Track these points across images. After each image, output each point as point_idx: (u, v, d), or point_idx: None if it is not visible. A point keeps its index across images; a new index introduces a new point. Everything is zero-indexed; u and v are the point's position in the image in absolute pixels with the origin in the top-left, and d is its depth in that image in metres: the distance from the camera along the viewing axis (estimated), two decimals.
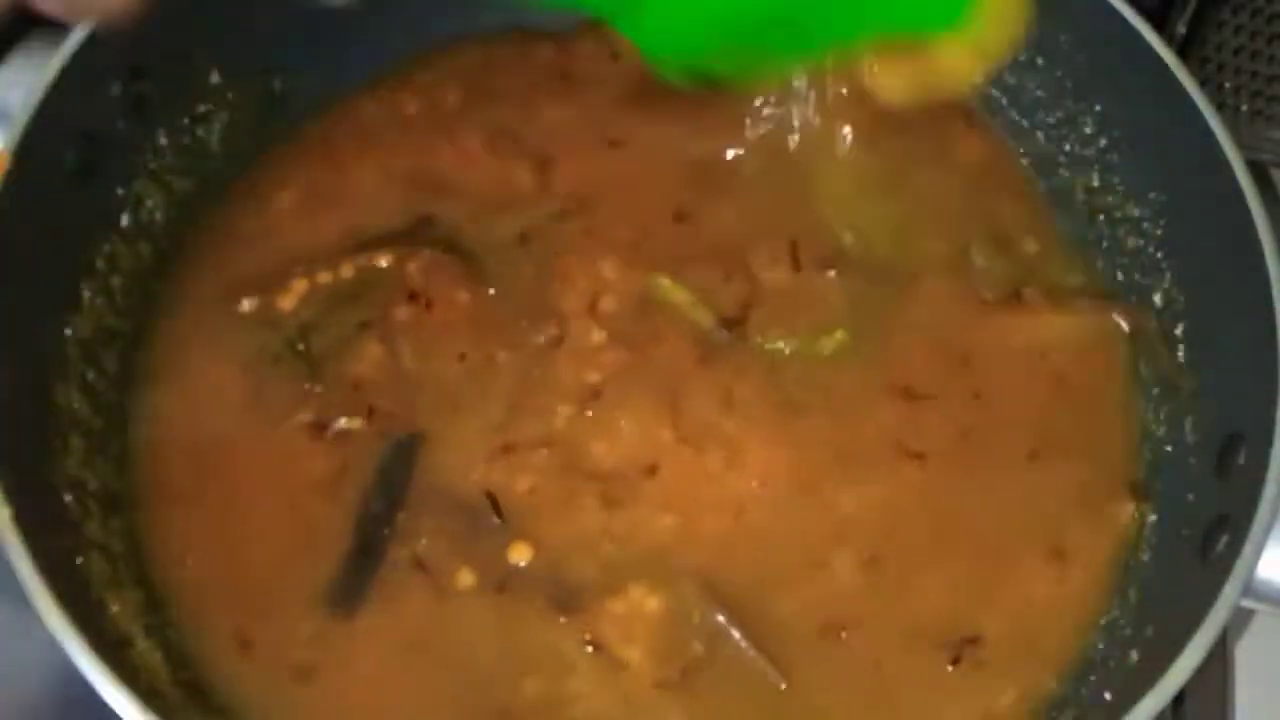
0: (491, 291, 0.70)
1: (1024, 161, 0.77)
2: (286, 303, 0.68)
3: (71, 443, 0.62)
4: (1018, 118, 0.77)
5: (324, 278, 0.69)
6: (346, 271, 0.69)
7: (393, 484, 0.64)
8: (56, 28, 0.68)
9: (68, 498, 0.61)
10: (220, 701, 0.61)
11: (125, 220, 0.68)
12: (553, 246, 0.71)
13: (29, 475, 0.57)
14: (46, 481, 0.60)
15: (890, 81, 0.66)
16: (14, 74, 0.66)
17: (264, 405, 0.66)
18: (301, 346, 0.67)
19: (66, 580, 0.54)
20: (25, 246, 0.60)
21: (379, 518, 0.63)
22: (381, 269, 0.69)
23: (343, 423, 0.66)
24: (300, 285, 0.69)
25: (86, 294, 0.65)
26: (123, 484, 0.65)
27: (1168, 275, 0.70)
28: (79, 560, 0.59)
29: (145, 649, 0.59)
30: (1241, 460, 0.61)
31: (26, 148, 0.59)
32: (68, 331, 0.64)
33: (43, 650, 0.62)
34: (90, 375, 0.65)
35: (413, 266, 0.69)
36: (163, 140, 0.69)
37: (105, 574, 0.60)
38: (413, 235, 0.71)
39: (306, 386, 0.66)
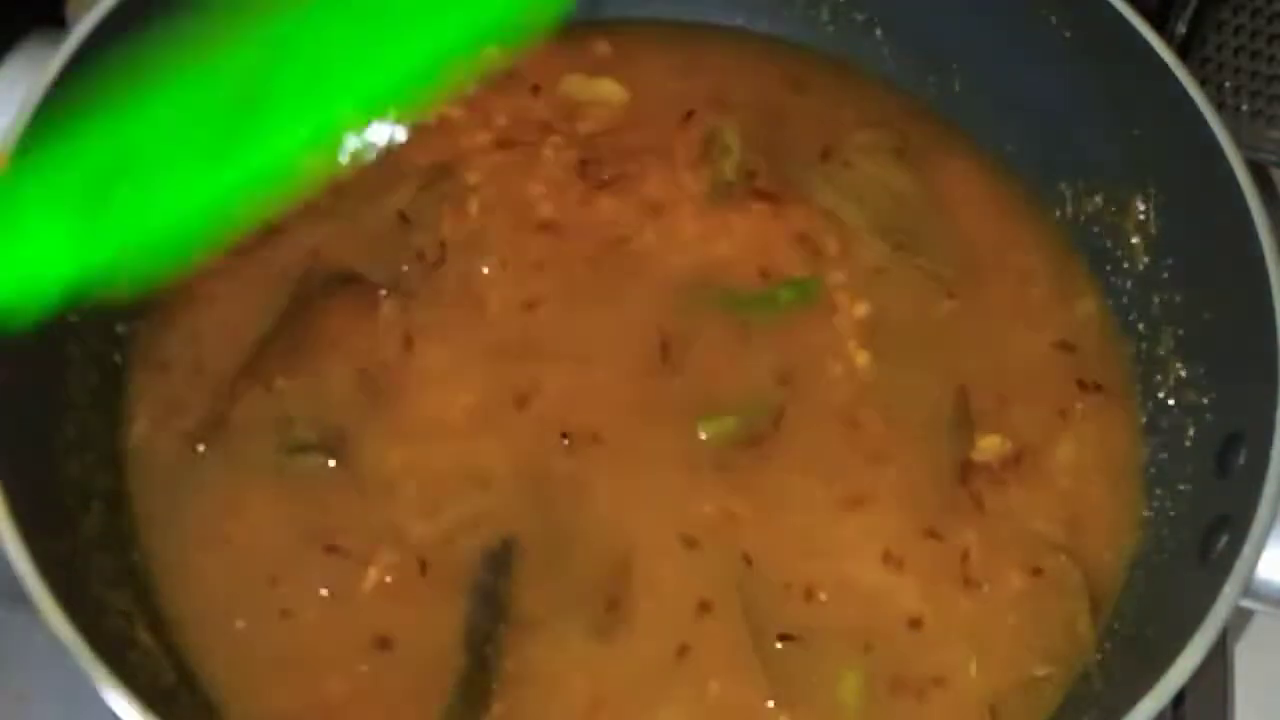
0: (383, 293, 0.69)
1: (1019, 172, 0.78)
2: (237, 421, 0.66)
3: (72, 442, 0.62)
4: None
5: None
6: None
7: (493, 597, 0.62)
8: (56, 28, 0.69)
9: (68, 498, 0.61)
10: (219, 701, 0.61)
11: None
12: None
13: (29, 475, 0.57)
14: (46, 481, 0.60)
15: None
16: (14, 74, 0.66)
17: None
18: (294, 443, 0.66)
19: (66, 580, 0.54)
20: None
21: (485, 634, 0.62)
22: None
23: None
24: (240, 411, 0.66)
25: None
26: (123, 484, 0.65)
27: (1167, 276, 0.70)
28: (79, 560, 0.59)
29: (145, 649, 0.59)
30: (1241, 460, 0.61)
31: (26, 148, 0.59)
32: (67, 331, 0.64)
33: (42, 650, 0.62)
34: (91, 375, 0.65)
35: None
36: None
37: (105, 574, 0.60)
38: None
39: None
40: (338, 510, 0.64)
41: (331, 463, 0.65)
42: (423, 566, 0.63)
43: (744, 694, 0.61)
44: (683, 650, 0.62)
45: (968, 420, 0.68)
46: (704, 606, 0.63)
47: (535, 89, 0.76)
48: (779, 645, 0.62)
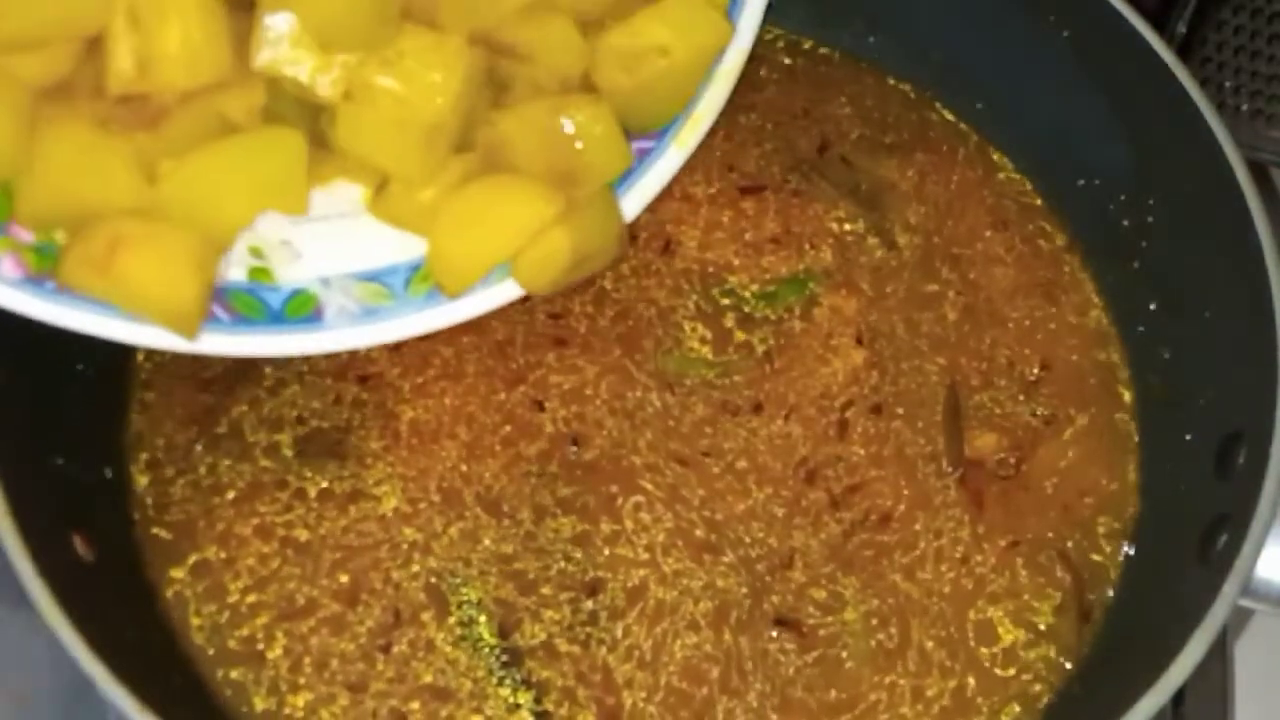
0: None
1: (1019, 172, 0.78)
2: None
3: (72, 443, 0.62)
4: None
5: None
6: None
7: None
8: None
9: (68, 498, 0.61)
10: (218, 702, 0.61)
11: None
12: None
13: (29, 476, 0.57)
14: (46, 481, 0.60)
15: None
16: None
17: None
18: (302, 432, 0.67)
19: (66, 580, 0.54)
20: None
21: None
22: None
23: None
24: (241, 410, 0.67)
25: None
26: (122, 483, 0.65)
27: (1167, 275, 0.70)
28: (79, 561, 0.59)
29: (145, 649, 0.59)
30: (1241, 460, 0.61)
31: None
32: (68, 334, 0.64)
33: (43, 650, 0.62)
34: (90, 374, 0.65)
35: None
36: None
37: (106, 574, 0.60)
38: None
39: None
40: (338, 511, 0.65)
41: (332, 463, 0.65)
42: (423, 565, 0.64)
43: None
44: None
45: (963, 418, 0.69)
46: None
47: None
48: (773, 633, 0.63)
